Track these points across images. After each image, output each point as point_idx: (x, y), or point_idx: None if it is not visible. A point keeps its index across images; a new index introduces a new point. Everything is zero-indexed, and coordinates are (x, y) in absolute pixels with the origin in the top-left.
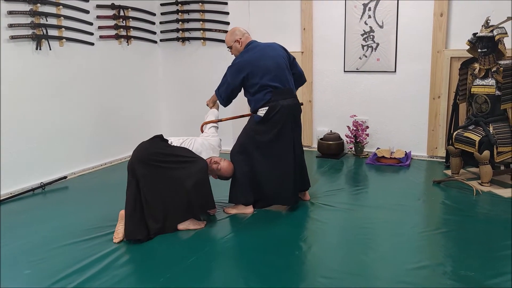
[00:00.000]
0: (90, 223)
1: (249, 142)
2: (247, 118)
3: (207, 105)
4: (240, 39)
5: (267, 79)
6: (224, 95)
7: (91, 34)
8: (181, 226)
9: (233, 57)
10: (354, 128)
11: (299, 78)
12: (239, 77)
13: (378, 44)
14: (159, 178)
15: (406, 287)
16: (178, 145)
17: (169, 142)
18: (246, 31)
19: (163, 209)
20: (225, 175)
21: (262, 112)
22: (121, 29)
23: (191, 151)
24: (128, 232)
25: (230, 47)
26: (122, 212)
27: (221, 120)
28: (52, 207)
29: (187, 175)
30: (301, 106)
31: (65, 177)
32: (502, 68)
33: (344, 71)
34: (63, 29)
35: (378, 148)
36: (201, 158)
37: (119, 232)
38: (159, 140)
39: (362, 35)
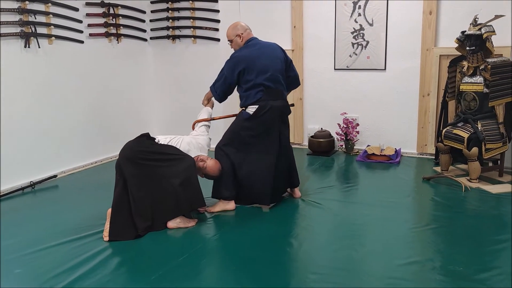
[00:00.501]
0: (81, 222)
1: (235, 137)
2: None
3: (202, 103)
4: (242, 34)
5: (262, 78)
6: (220, 90)
7: (81, 32)
8: (171, 224)
9: (229, 53)
10: (345, 126)
11: (294, 81)
12: (236, 71)
13: (368, 42)
14: (146, 176)
15: (396, 282)
16: (165, 144)
17: (156, 140)
18: (248, 27)
19: (151, 207)
20: (211, 174)
21: (251, 109)
22: (111, 27)
23: (178, 149)
24: (113, 233)
25: (230, 41)
26: (110, 211)
27: (213, 119)
28: (42, 206)
29: (174, 172)
30: (292, 105)
31: (55, 176)
32: (490, 66)
33: (335, 69)
34: (52, 27)
35: (368, 145)
36: (188, 155)
37: (108, 230)
38: (145, 138)
39: (352, 33)
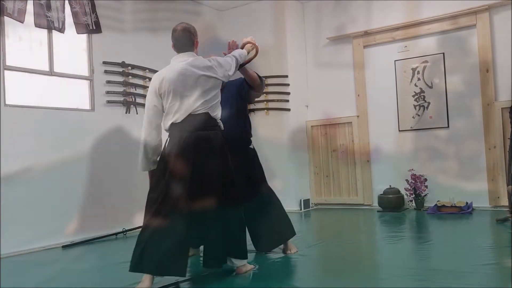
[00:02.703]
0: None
1: None
2: None
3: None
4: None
5: None
6: None
7: None
8: None
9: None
10: (413, 181)
11: None
12: None
13: (429, 103)
14: None
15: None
16: None
17: None
18: None
19: None
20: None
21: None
22: None
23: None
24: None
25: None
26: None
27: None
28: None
29: None
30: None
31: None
32: None
33: (399, 130)
34: None
35: (438, 201)
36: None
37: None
38: None
39: (414, 96)
